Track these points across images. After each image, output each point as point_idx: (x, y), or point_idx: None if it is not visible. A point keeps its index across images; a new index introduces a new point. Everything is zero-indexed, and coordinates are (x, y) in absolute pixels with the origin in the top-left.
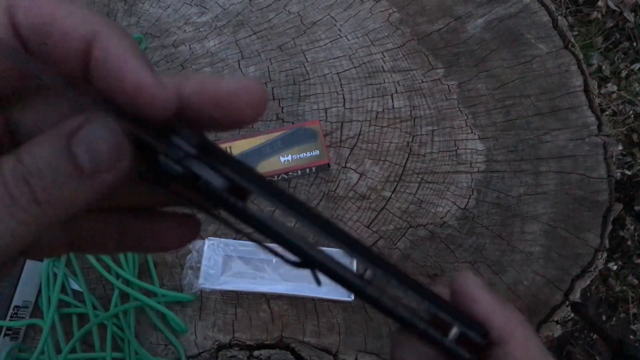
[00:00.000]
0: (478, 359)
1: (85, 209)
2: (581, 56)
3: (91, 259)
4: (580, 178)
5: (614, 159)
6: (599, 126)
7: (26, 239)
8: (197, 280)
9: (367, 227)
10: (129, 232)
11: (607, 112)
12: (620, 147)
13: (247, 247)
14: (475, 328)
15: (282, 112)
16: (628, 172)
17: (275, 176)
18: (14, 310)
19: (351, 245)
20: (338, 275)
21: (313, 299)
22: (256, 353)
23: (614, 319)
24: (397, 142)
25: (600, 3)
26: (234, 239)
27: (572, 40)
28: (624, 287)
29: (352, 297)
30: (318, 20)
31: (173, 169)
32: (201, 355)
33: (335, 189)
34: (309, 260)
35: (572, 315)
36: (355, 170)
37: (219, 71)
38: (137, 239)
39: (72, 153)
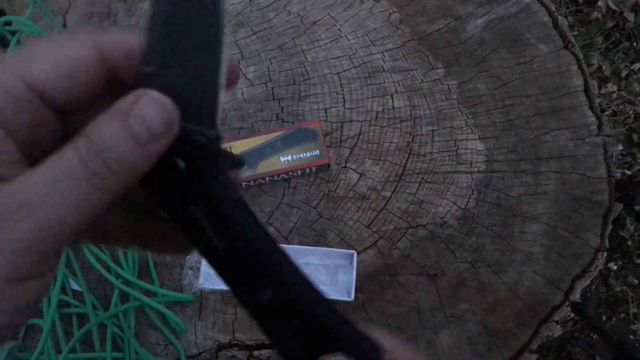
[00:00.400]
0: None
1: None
2: (581, 56)
3: (91, 259)
4: (580, 178)
5: (614, 159)
6: (599, 126)
7: (104, 206)
8: (197, 280)
9: (367, 227)
10: (140, 231)
11: (607, 112)
12: (620, 147)
13: None
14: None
15: (282, 112)
16: (628, 172)
17: (275, 176)
18: None
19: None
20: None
21: None
22: (256, 353)
23: (614, 319)
24: (397, 142)
25: (600, 3)
26: None
27: (572, 40)
28: (624, 287)
29: (352, 297)
30: (318, 20)
31: (209, 138)
32: (201, 355)
33: (335, 189)
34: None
35: (572, 315)
36: (355, 170)
37: None
38: (146, 238)
39: (130, 128)
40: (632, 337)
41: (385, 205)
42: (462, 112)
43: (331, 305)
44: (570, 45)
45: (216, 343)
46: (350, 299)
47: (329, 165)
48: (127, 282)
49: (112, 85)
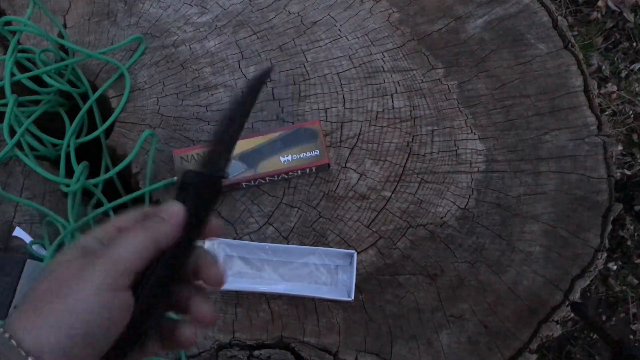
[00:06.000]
0: None
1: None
2: (581, 56)
3: None
4: (580, 178)
5: (613, 159)
6: (599, 126)
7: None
8: None
9: (367, 227)
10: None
11: (607, 112)
12: (620, 147)
13: (247, 247)
14: None
15: (282, 112)
16: (628, 172)
17: (275, 176)
18: (14, 310)
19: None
20: None
21: (313, 299)
22: (256, 353)
23: (614, 319)
24: (397, 142)
25: (600, 3)
26: (234, 239)
27: (572, 40)
28: (624, 287)
29: (352, 297)
30: (318, 21)
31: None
32: (201, 355)
33: (335, 189)
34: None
35: (572, 315)
36: (355, 170)
37: (219, 71)
38: (166, 337)
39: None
40: (632, 337)
41: (385, 205)
42: (462, 112)
43: None
44: (570, 46)
45: (216, 343)
46: (350, 299)
47: (329, 165)
48: None
49: None
